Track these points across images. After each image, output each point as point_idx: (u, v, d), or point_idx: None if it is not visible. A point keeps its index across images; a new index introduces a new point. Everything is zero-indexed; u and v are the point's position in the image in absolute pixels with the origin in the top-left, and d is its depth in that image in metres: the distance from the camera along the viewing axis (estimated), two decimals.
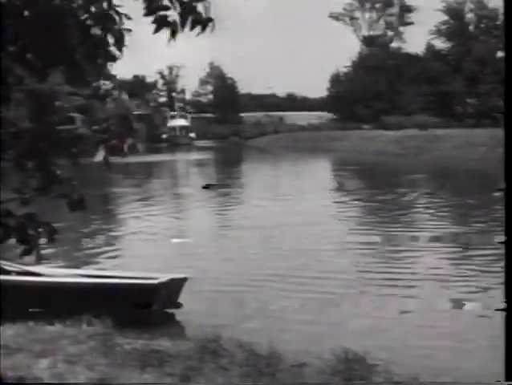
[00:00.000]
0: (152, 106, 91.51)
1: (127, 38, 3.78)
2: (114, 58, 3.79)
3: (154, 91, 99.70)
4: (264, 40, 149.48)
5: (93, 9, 3.62)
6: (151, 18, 3.72)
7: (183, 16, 3.63)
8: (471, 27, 74.11)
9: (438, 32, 76.11)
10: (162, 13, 3.63)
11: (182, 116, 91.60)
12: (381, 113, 73.29)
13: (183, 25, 3.64)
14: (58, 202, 4.19)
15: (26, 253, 4.18)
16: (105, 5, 3.65)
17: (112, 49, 3.73)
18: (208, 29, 3.68)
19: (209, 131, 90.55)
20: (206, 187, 30.40)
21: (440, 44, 76.50)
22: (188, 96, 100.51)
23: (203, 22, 3.64)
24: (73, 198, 4.17)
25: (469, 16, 74.60)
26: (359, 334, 9.63)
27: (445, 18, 75.12)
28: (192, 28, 3.66)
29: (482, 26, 72.41)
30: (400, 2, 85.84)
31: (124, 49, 3.81)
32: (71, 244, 16.64)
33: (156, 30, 3.66)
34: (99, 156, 4.10)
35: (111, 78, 4.29)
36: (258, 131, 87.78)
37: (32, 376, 6.41)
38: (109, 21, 3.65)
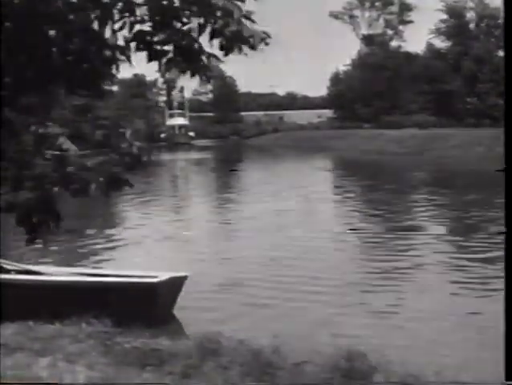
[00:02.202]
0: (152, 105, 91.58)
1: None
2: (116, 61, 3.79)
3: (154, 90, 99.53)
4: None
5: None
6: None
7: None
8: (471, 26, 73.98)
9: (438, 31, 75.99)
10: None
11: (181, 115, 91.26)
12: (381, 112, 73.19)
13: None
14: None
15: (31, 240, 4.18)
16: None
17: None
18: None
19: (208, 130, 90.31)
20: None
21: (440, 43, 76.41)
22: (187, 95, 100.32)
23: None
24: (77, 186, 4.17)
25: (470, 15, 74.50)
26: None
27: (445, 16, 74.97)
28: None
29: (483, 25, 72.27)
30: (400, 1, 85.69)
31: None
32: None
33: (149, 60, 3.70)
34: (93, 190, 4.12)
35: (112, 77, 4.28)
36: (257, 130, 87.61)
37: (32, 375, 6.41)
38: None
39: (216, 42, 3.60)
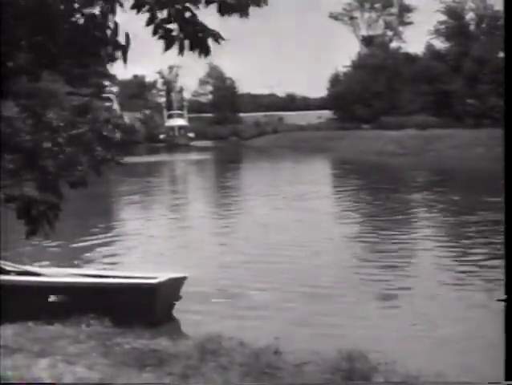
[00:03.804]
0: (152, 106, 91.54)
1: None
2: (115, 58, 3.80)
3: (153, 91, 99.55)
4: (264, 39, 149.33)
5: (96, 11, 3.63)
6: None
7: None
8: (472, 27, 73.97)
9: (437, 32, 76.00)
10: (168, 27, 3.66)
11: (180, 116, 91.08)
12: (380, 113, 73.21)
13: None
14: None
15: (31, 232, 4.18)
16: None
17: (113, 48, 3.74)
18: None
19: (208, 131, 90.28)
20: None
21: (440, 44, 76.41)
22: (187, 96, 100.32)
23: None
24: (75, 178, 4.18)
25: (470, 16, 74.49)
26: None
27: (445, 18, 74.92)
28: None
29: (484, 26, 72.25)
30: (400, 2, 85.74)
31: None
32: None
33: (167, 48, 3.70)
34: None
35: (111, 77, 4.29)
36: (257, 131, 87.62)
37: (32, 376, 6.41)
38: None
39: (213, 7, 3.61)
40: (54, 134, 4.11)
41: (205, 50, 3.68)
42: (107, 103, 4.49)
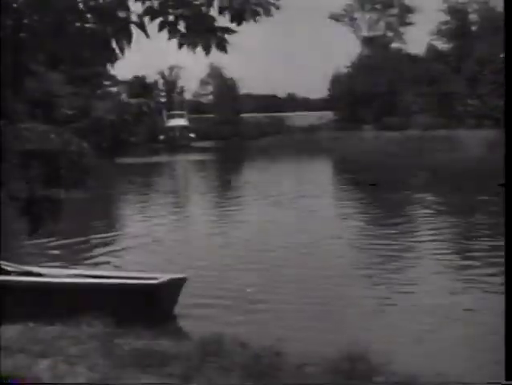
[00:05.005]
0: (153, 106, 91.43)
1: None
2: (115, 59, 3.79)
3: (154, 92, 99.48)
4: (265, 40, 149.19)
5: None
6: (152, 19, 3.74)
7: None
8: (474, 28, 73.88)
9: (439, 32, 75.92)
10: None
11: (180, 116, 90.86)
12: (382, 114, 73.15)
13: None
14: None
15: (33, 231, 4.18)
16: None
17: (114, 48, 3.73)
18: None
19: (209, 132, 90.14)
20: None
21: (441, 45, 76.32)
22: (188, 97, 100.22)
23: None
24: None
25: (472, 17, 74.37)
26: None
27: (447, 18, 74.78)
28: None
29: (486, 26, 72.15)
30: (400, 3, 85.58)
31: (125, 49, 3.81)
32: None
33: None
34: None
35: (111, 78, 4.29)
36: (258, 131, 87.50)
37: (32, 377, 6.40)
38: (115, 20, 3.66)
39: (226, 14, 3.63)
40: (60, 128, 4.12)
41: (221, 47, 3.70)
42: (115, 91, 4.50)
